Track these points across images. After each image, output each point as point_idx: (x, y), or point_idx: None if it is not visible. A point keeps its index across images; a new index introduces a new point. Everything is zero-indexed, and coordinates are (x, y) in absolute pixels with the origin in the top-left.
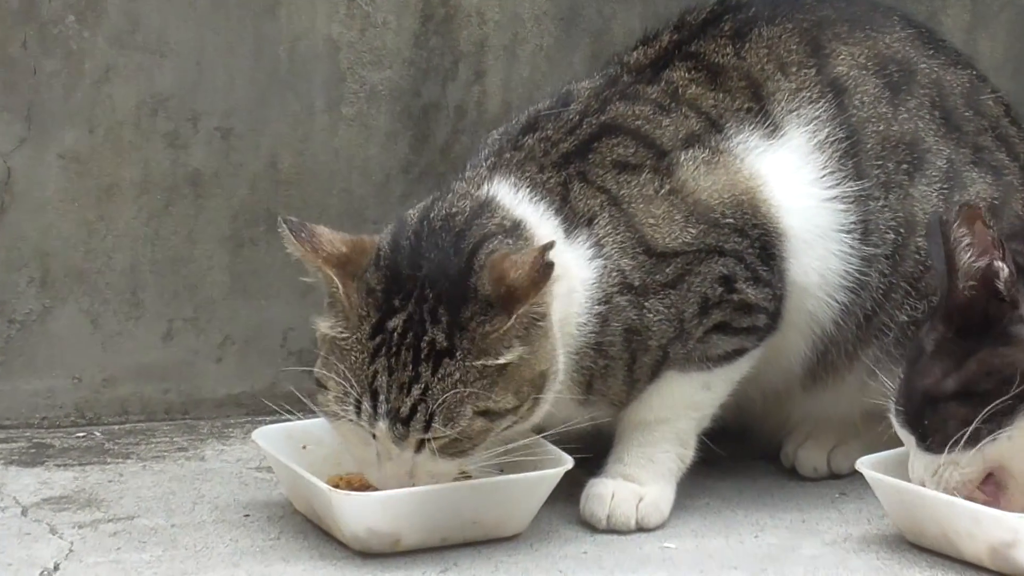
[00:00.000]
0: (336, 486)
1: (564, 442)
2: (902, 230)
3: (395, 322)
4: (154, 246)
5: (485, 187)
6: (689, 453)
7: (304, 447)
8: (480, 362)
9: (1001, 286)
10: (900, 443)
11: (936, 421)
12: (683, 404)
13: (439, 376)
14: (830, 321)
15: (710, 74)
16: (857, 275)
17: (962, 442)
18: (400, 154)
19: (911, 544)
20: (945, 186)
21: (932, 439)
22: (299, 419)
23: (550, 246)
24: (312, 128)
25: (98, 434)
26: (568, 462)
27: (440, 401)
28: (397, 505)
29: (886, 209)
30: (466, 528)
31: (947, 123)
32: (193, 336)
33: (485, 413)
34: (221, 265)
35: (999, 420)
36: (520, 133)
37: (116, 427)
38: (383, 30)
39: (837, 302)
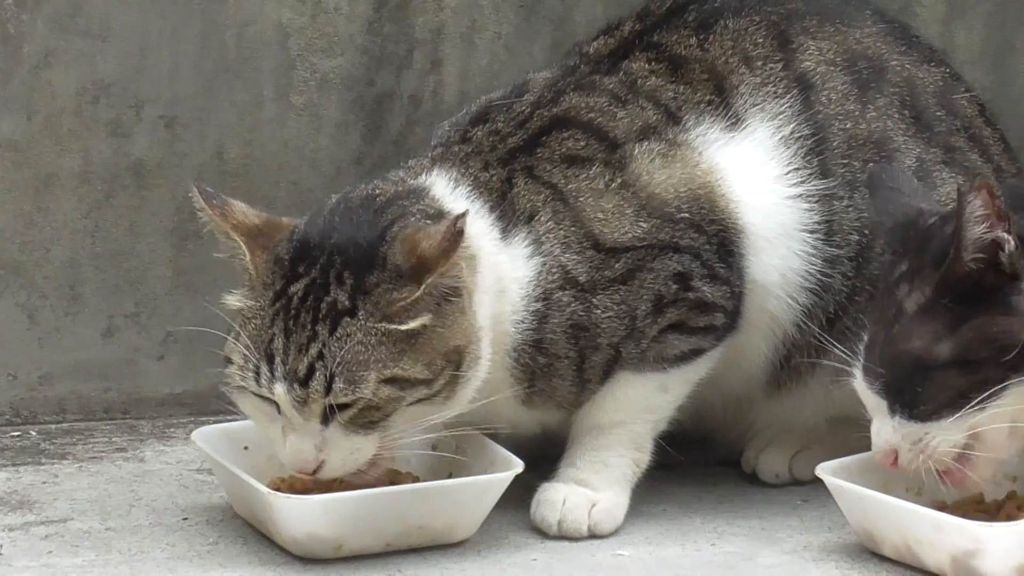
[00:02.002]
0: (278, 489)
1: (517, 446)
2: (867, 231)
3: (297, 286)
4: (94, 239)
5: (423, 177)
6: (645, 457)
7: (246, 448)
8: (383, 325)
9: (1005, 259)
10: (862, 448)
11: (931, 389)
12: (638, 407)
13: (337, 335)
14: (792, 323)
15: (671, 66)
16: (820, 276)
17: (952, 411)
18: (352, 145)
19: (872, 553)
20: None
21: (922, 407)
22: (241, 419)
23: (463, 215)
24: (260, 117)
25: (34, 433)
26: (518, 465)
27: (339, 361)
28: (339, 508)
29: (851, 209)
30: (412, 533)
31: (918, 122)
32: (134, 333)
33: (392, 380)
34: (164, 259)
35: (989, 389)
36: (470, 124)
37: (53, 426)
38: (335, 16)
39: (799, 303)
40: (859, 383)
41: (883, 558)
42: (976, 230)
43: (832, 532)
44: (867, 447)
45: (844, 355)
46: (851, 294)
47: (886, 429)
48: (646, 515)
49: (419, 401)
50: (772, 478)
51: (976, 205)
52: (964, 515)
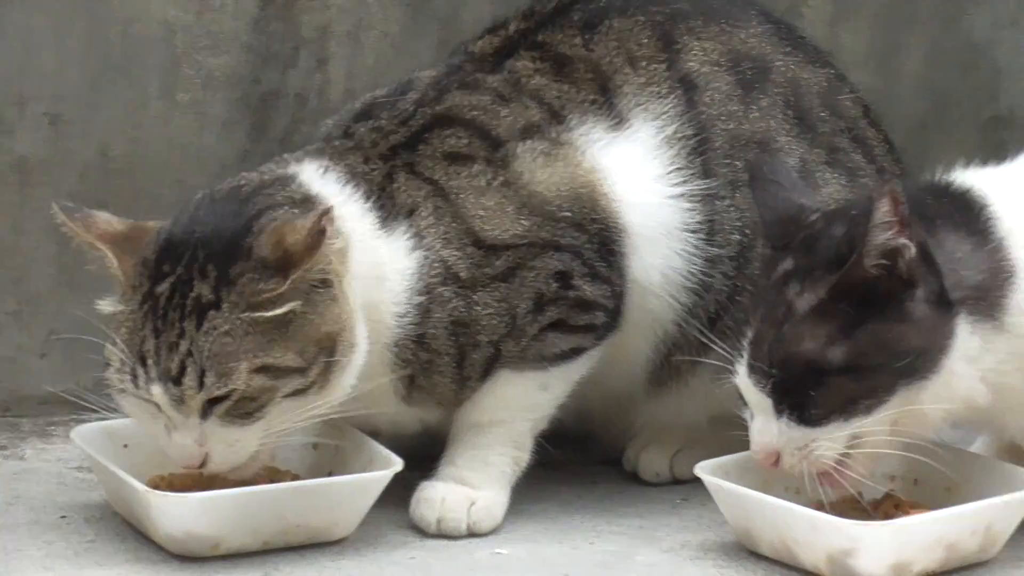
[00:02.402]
0: (157, 487)
1: (398, 445)
2: (748, 231)
3: (163, 286)
4: None
5: (292, 166)
6: (525, 456)
7: (125, 446)
8: (249, 315)
9: (904, 265)
10: (743, 447)
11: (823, 394)
12: (518, 405)
13: (204, 329)
14: (673, 322)
15: (556, 65)
16: (701, 276)
17: (842, 418)
18: (237, 143)
19: (750, 552)
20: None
21: (813, 412)
22: (121, 417)
23: (328, 211)
24: (145, 115)
25: None
26: (397, 464)
27: (208, 355)
28: (217, 507)
29: (733, 209)
30: (290, 531)
31: (801, 123)
32: (16, 331)
33: (264, 370)
34: (47, 257)
35: (879, 396)
36: (353, 120)
37: None
38: (221, 14)
39: (680, 303)
40: (743, 380)
41: (761, 557)
42: (881, 237)
43: (711, 531)
44: (747, 447)
45: (726, 354)
46: (732, 294)
47: (770, 430)
48: (526, 513)
49: (295, 392)
50: (652, 477)
51: (883, 211)
52: (841, 514)
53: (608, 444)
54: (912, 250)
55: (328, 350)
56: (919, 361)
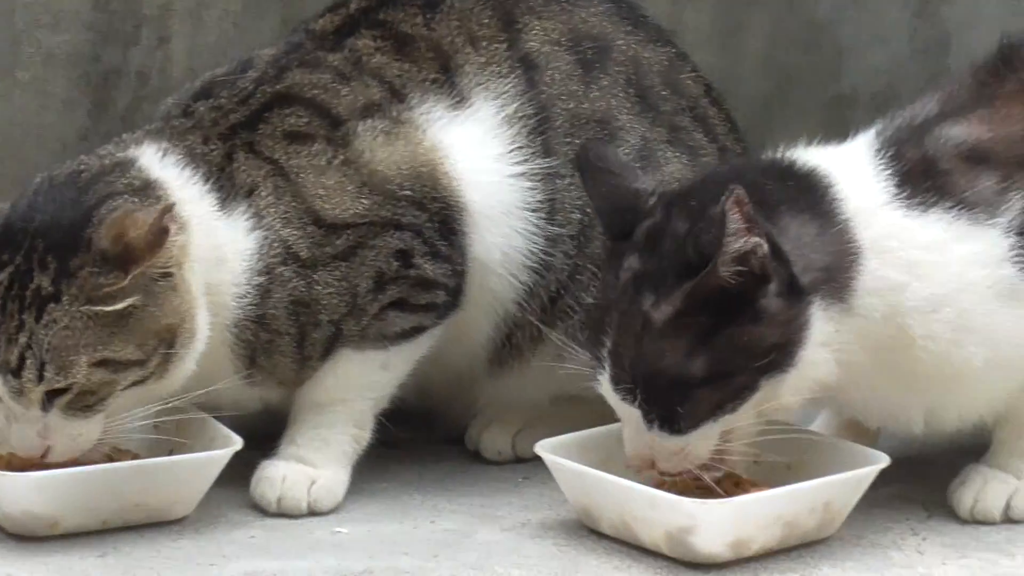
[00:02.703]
0: None
1: (240, 424)
2: (588, 210)
3: (3, 276)
4: None
5: (132, 149)
6: (366, 435)
7: None
8: (89, 308)
9: (757, 263)
10: (585, 425)
11: (689, 406)
12: (359, 384)
13: (44, 322)
14: (514, 302)
15: (397, 43)
16: (542, 255)
17: (711, 420)
18: (78, 122)
19: (590, 530)
20: (638, 165)
21: (682, 423)
22: None
23: (170, 208)
24: None
25: None
26: (237, 443)
27: (47, 348)
28: (54, 486)
29: (573, 187)
30: (128, 511)
31: (643, 101)
32: None
33: (104, 363)
34: None
35: (743, 395)
36: (192, 99)
37: None
38: None
39: (521, 282)
40: (608, 392)
41: (601, 535)
42: (734, 245)
43: (552, 509)
44: (588, 424)
45: (561, 342)
46: (573, 272)
47: (642, 440)
48: (367, 492)
49: (134, 383)
50: (495, 455)
51: (733, 219)
52: (682, 492)
53: (451, 423)
54: (764, 247)
55: (168, 342)
56: (779, 355)
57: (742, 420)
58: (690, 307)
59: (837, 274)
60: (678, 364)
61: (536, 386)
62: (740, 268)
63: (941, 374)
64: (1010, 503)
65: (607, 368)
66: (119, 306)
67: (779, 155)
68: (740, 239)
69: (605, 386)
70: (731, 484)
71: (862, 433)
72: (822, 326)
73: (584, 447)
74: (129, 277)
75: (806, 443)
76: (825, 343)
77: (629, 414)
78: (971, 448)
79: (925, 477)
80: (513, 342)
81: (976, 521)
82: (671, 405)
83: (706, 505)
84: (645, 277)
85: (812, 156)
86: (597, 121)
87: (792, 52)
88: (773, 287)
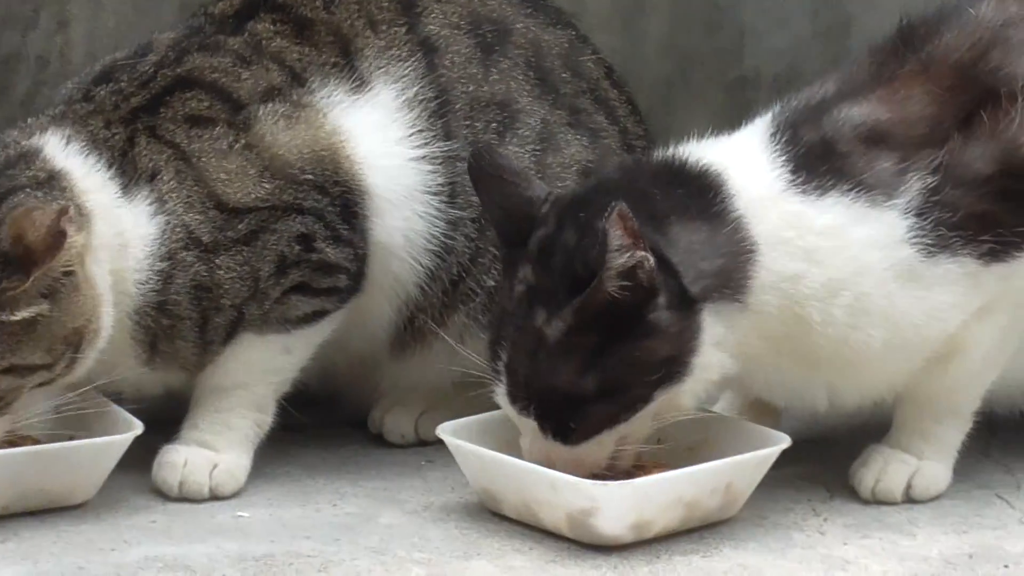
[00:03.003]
0: None
1: (141, 408)
2: None
3: None
4: None
5: (36, 137)
6: (268, 419)
7: None
8: None
9: (644, 277)
10: (487, 408)
11: (582, 421)
12: (261, 368)
13: None
14: (415, 285)
15: (297, 27)
16: (443, 238)
17: (606, 431)
18: None
19: (493, 513)
20: (538, 147)
21: (575, 436)
22: None
23: (66, 210)
24: None
25: None
26: (138, 427)
27: None
28: None
29: None
30: (29, 496)
31: (543, 84)
32: None
33: (11, 370)
34: None
35: (637, 407)
36: (93, 83)
37: None
38: None
39: (422, 265)
40: (504, 404)
41: (504, 518)
42: (619, 261)
43: (454, 492)
44: (490, 407)
45: (452, 337)
46: (474, 256)
47: (540, 447)
48: (269, 476)
49: (41, 384)
50: (398, 439)
51: (616, 235)
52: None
53: (354, 406)
54: (650, 260)
55: (75, 345)
56: (672, 367)
57: (637, 427)
58: (581, 323)
59: (731, 275)
60: (571, 382)
61: (439, 369)
62: (626, 283)
63: (841, 357)
64: (911, 483)
65: (504, 382)
66: (24, 315)
67: (671, 154)
68: (624, 255)
69: (502, 398)
70: (633, 466)
71: (766, 412)
72: (714, 328)
73: (486, 430)
74: (31, 279)
75: (708, 424)
76: (719, 343)
77: (526, 425)
78: (873, 429)
79: (827, 458)
80: (416, 326)
81: (878, 501)
82: (565, 420)
83: (607, 487)
84: (538, 291)
85: (705, 151)
86: (497, 104)
87: (694, 34)
88: (662, 300)
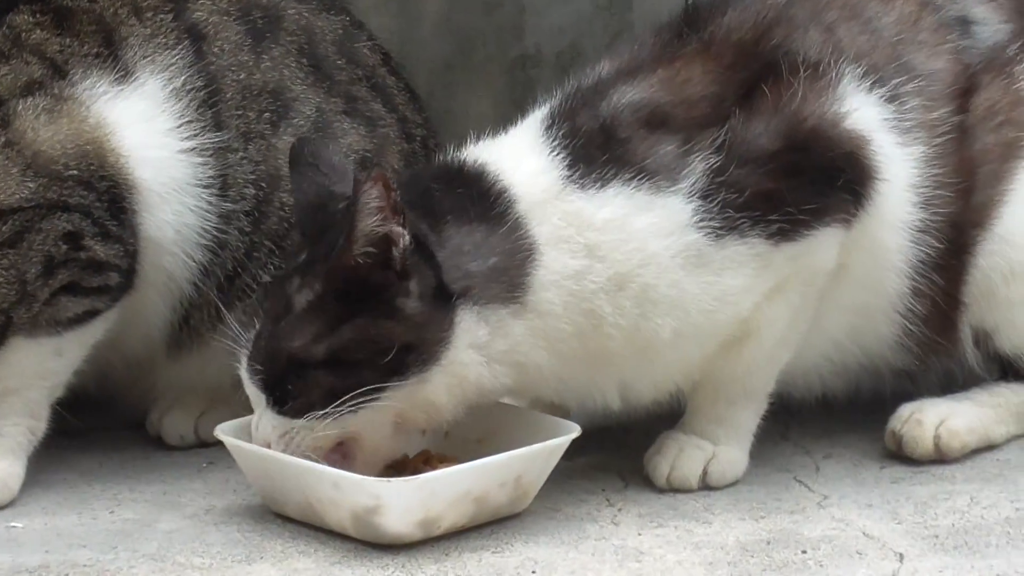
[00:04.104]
0: None
1: None
2: (264, 184)
3: None
4: None
5: None
6: (41, 425)
7: None
8: None
9: (397, 255)
10: None
11: (300, 387)
12: (32, 373)
13: None
14: (189, 282)
15: (57, 18)
16: (216, 232)
17: (320, 409)
18: None
19: (276, 514)
20: (313, 135)
21: (291, 403)
22: None
23: None
24: None
25: None
26: None
27: None
28: None
29: (246, 162)
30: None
31: (317, 71)
32: None
33: None
34: None
35: (366, 392)
36: None
37: None
38: None
39: (195, 261)
40: (244, 373)
41: (288, 519)
42: (369, 222)
43: (236, 495)
44: None
45: (235, 334)
46: (249, 251)
47: (264, 423)
48: (44, 484)
49: None
50: (177, 441)
51: (371, 195)
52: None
53: (131, 409)
54: (406, 239)
55: None
56: (411, 357)
57: (369, 425)
58: (328, 292)
59: (506, 277)
60: (302, 347)
61: (217, 368)
62: (374, 251)
63: (632, 349)
64: (707, 470)
65: (248, 348)
66: None
67: (452, 157)
68: (375, 217)
69: (243, 367)
70: (420, 462)
71: (556, 404)
72: (475, 328)
73: None
74: None
75: (496, 415)
76: (479, 346)
77: (257, 397)
78: (668, 415)
79: (622, 446)
80: (191, 324)
81: (673, 489)
82: (284, 383)
83: (391, 484)
84: (302, 266)
85: (483, 153)
86: (270, 92)
87: (472, 12)
88: (414, 287)
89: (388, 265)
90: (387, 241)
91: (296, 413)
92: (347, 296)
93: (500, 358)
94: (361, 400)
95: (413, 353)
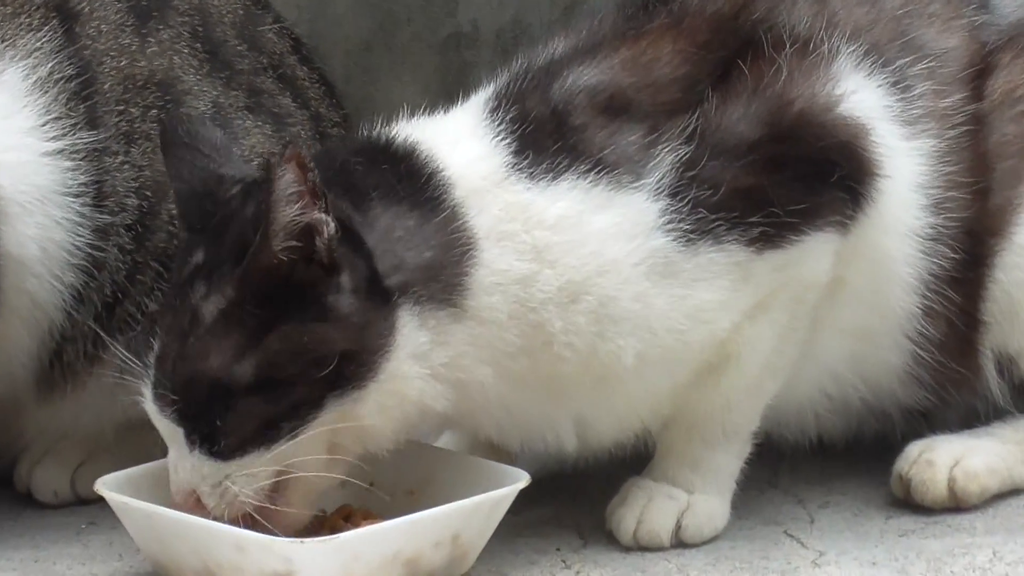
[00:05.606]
0: None
1: None
2: (148, 193)
3: None
4: None
5: None
6: None
7: None
8: None
9: (322, 246)
10: (157, 457)
11: (232, 421)
12: None
13: None
14: (60, 309)
15: None
16: (90, 250)
17: (259, 446)
18: None
19: None
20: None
21: (223, 443)
22: None
23: None
24: None
25: None
26: None
27: None
28: None
29: (127, 166)
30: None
31: (214, 59)
32: None
33: None
34: None
35: (303, 414)
36: None
37: None
38: None
39: (66, 284)
40: (150, 405)
41: None
42: (287, 211)
43: (123, 560)
44: (162, 454)
45: (124, 358)
46: (132, 272)
47: (184, 466)
48: None
49: None
50: (51, 497)
51: (287, 180)
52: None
53: None
54: (331, 226)
55: None
56: (350, 366)
57: (307, 452)
58: (244, 298)
59: (442, 273)
60: (223, 366)
61: (96, 412)
62: (296, 244)
63: (589, 376)
64: (681, 523)
65: (151, 373)
66: None
67: (377, 133)
68: (294, 205)
69: (147, 397)
70: (340, 517)
71: (501, 448)
72: (415, 334)
73: (158, 482)
74: None
75: (430, 462)
76: (420, 355)
77: (171, 433)
78: (633, 458)
79: (579, 496)
80: (64, 360)
81: (641, 547)
82: (210, 417)
83: (304, 545)
84: (203, 268)
85: (416, 131)
86: (157, 83)
87: None
88: (346, 281)
89: (312, 258)
90: (310, 232)
91: (229, 454)
92: (268, 300)
93: (440, 373)
94: (299, 424)
95: (352, 362)
